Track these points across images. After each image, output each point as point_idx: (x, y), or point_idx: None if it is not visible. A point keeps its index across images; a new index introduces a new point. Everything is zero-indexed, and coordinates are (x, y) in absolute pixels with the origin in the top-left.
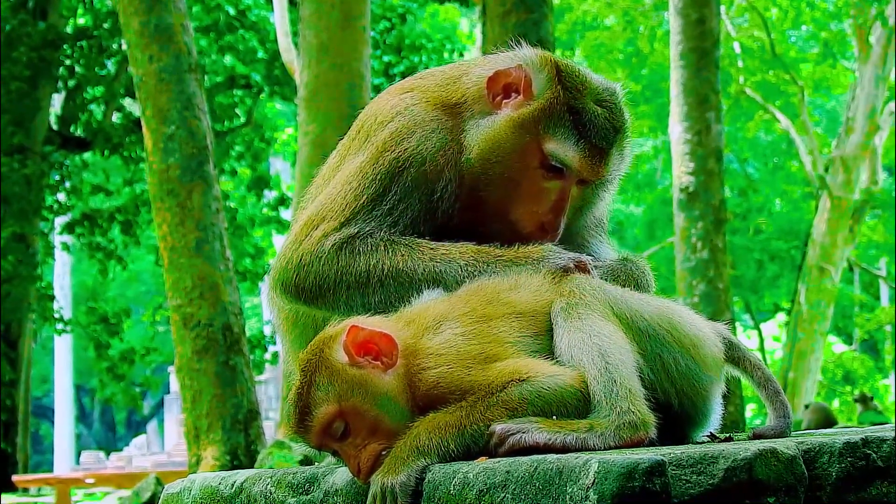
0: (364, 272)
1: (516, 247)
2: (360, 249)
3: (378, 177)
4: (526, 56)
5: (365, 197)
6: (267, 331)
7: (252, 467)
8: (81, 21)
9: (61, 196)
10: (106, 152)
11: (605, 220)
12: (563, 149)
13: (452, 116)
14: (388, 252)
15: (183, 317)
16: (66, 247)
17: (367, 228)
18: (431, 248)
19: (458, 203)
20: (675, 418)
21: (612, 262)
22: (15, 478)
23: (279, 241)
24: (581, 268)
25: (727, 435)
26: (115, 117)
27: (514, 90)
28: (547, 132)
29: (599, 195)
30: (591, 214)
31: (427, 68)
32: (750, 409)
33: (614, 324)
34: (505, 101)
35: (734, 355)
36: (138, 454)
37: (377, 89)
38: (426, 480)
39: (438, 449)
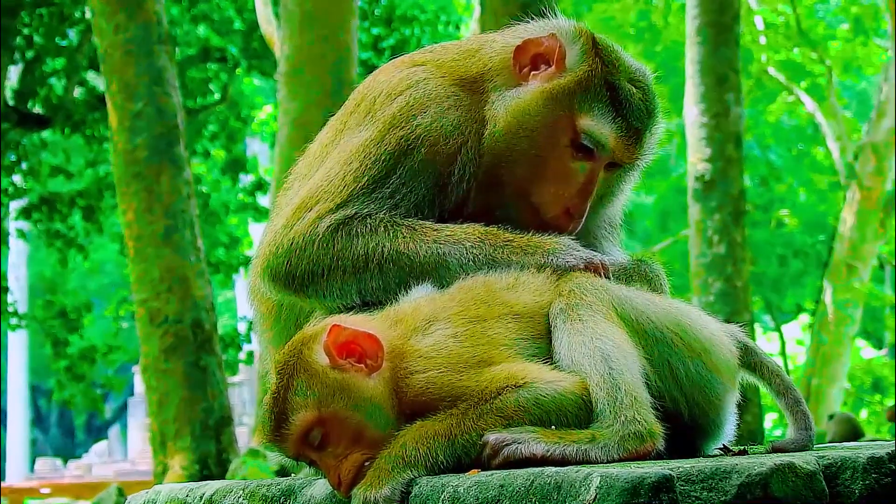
0: (362, 255)
1: (527, 234)
2: (358, 231)
3: (382, 157)
4: (559, 25)
5: (366, 178)
6: (241, 328)
7: (223, 478)
8: None
9: (17, 178)
10: (67, 131)
11: (619, 220)
12: (598, 126)
13: (471, 92)
14: (388, 234)
15: (149, 312)
16: (21, 234)
17: (366, 210)
18: (435, 230)
19: (475, 185)
20: (685, 429)
21: (625, 262)
22: None
23: (256, 229)
24: (593, 269)
25: (742, 448)
26: (78, 92)
27: (545, 61)
28: (582, 108)
29: (621, 186)
30: (608, 210)
31: (420, 41)
32: (770, 420)
33: (618, 326)
34: (534, 72)
35: (750, 360)
36: (99, 462)
37: (365, 64)
38: (412, 494)
39: (426, 460)
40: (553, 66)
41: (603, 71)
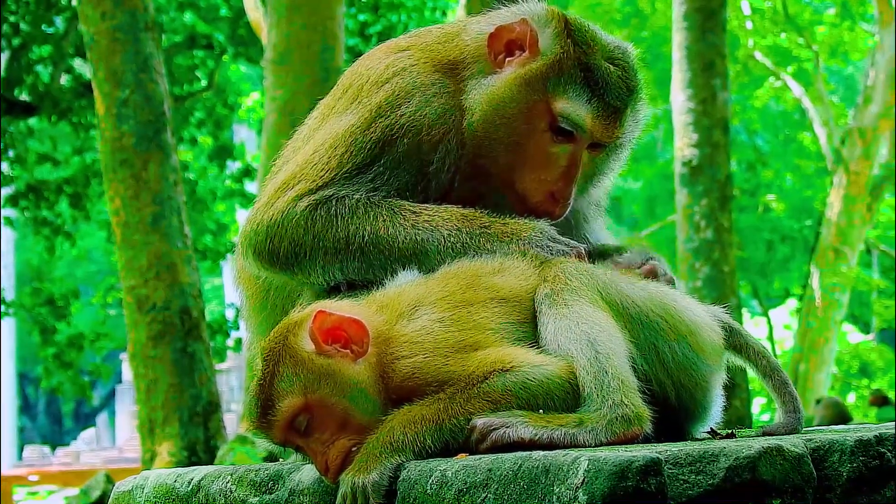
0: (343, 237)
1: (505, 219)
2: (337, 212)
3: (367, 145)
4: (530, 10)
5: (350, 164)
6: (229, 315)
7: (211, 464)
8: None
9: (4, 166)
10: (53, 118)
11: (604, 201)
12: (574, 108)
13: (453, 79)
14: (367, 216)
15: (137, 299)
16: (9, 221)
17: (343, 192)
18: (414, 213)
19: (459, 174)
20: (673, 412)
21: (615, 243)
22: None
23: (243, 216)
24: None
25: (729, 431)
26: (64, 80)
27: (519, 47)
28: (556, 91)
29: (608, 165)
30: (595, 190)
31: (406, 28)
32: (758, 405)
33: (604, 310)
34: (508, 59)
35: (736, 342)
36: (87, 449)
37: (352, 51)
38: (400, 479)
39: (414, 445)
40: (527, 52)
41: (576, 52)
